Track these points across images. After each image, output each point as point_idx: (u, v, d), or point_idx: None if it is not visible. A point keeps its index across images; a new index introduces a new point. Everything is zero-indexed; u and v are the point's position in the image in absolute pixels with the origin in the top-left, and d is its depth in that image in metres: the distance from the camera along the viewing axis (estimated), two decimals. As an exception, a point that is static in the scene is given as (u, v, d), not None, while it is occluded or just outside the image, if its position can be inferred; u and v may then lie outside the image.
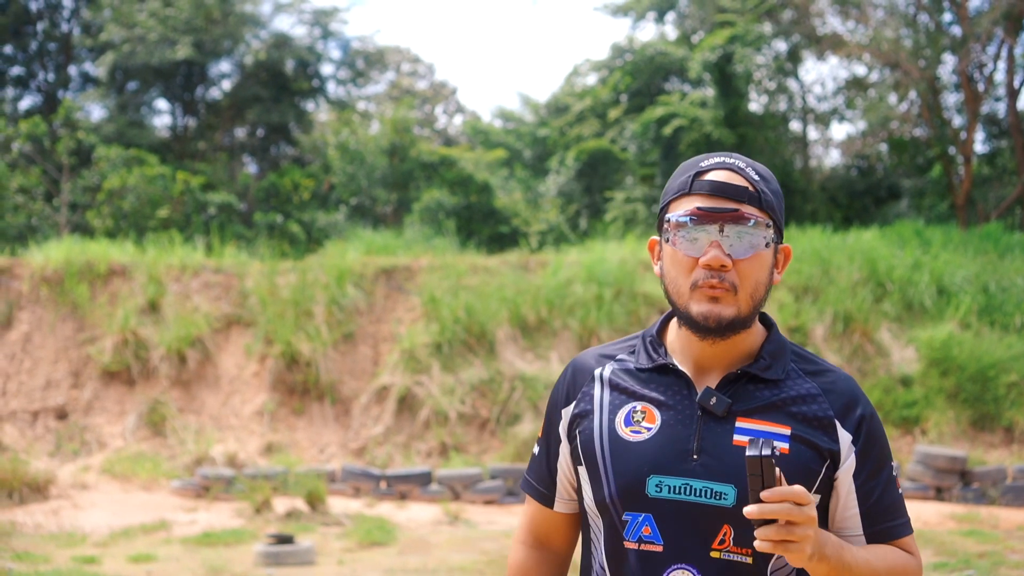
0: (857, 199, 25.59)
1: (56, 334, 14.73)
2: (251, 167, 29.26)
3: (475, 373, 14.16)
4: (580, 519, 2.22)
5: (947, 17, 24.30)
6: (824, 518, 2.07)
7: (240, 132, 29.47)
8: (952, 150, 23.94)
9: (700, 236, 2.01)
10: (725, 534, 1.98)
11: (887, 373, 14.25)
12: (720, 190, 2.01)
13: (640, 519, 2.02)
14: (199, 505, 11.95)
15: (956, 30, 23.84)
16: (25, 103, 29.27)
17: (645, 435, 2.05)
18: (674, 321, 2.15)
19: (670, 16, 27.74)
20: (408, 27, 69.43)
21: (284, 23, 32.16)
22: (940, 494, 12.22)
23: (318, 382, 14.31)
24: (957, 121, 24.90)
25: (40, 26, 29.05)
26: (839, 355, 14.49)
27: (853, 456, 2.04)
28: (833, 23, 25.42)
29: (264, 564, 9.23)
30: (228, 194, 23.17)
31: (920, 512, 11.60)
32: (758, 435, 2.00)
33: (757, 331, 2.13)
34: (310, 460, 13.46)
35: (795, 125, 27.79)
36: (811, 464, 2.01)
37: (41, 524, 11.00)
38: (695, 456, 2.00)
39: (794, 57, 26.14)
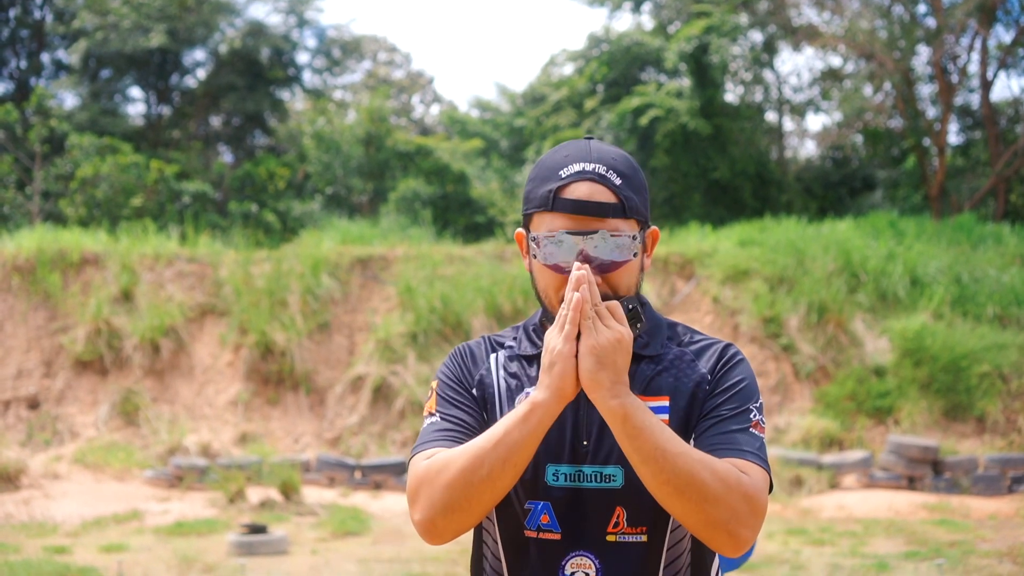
0: (832, 190, 25.71)
1: (28, 323, 14.62)
2: (226, 156, 29.08)
3: (450, 363, 14.14)
4: None
5: (921, 8, 24.44)
6: None
7: (215, 121, 29.28)
8: (926, 141, 24.08)
9: (565, 239, 1.97)
10: (618, 516, 1.99)
11: (861, 363, 14.32)
12: (583, 209, 1.97)
13: (540, 508, 2.02)
14: (172, 495, 11.90)
15: (930, 21, 23.97)
16: (-3, 91, 29.02)
17: None
18: None
19: (647, 6, 27.71)
20: (385, 16, 69.25)
21: (259, 11, 32.02)
22: (912, 483, 12.30)
23: (293, 372, 14.27)
24: (931, 112, 25.04)
25: (12, 13, 28.79)
26: (813, 345, 14.54)
27: (707, 386, 2.04)
28: (809, 14, 25.53)
29: (237, 554, 9.20)
30: (203, 183, 23.03)
31: (892, 501, 11.68)
32: None
33: None
34: (284, 450, 13.42)
35: (771, 116, 27.88)
36: (690, 426, 2.02)
37: (12, 514, 10.93)
38: (585, 441, 2.01)
39: (770, 48, 26.21)
